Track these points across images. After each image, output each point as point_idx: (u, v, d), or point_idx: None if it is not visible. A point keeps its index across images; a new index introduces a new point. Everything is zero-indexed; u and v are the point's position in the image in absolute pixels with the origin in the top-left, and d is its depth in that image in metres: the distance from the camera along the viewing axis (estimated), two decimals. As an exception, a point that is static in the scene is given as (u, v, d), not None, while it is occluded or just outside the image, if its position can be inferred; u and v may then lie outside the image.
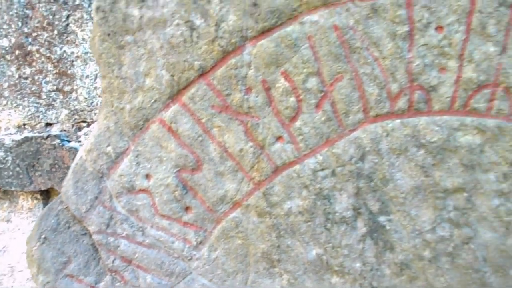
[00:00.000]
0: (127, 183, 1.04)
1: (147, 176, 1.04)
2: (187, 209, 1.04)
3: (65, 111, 1.57)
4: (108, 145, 1.04)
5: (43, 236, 1.09)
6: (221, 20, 0.96)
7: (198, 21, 0.97)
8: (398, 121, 0.96)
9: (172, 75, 0.99)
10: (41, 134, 1.69)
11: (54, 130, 1.72)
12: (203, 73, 0.98)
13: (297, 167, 0.99)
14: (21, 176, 1.71)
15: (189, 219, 1.04)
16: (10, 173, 1.71)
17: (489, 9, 0.90)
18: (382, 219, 0.99)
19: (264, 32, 0.96)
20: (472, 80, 0.92)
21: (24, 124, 1.75)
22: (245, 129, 0.99)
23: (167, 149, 1.01)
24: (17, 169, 1.71)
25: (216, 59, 0.97)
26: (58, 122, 1.68)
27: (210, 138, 1.00)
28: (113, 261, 1.07)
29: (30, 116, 1.74)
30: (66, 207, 1.09)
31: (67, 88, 1.64)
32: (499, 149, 0.94)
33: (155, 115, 1.01)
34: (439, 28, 0.92)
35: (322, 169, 0.99)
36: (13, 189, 1.74)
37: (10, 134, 1.76)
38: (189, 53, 0.98)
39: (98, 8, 1.00)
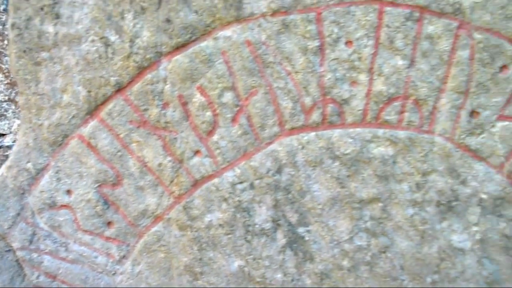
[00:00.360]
0: (48, 199, 1.06)
1: (68, 192, 1.05)
2: (109, 224, 1.05)
3: (18, 121, 1.57)
4: (28, 162, 1.05)
5: None
6: (135, 36, 0.98)
7: (112, 37, 0.98)
8: (313, 133, 0.99)
9: (89, 91, 1.01)
10: None
11: (7, 141, 1.71)
12: (119, 88, 1.00)
13: (215, 180, 1.02)
14: None
15: (111, 233, 1.06)
16: None
17: (396, 23, 0.93)
18: (301, 230, 1.02)
19: (179, 47, 0.98)
20: (382, 93, 0.96)
21: None
22: (164, 143, 1.01)
23: (87, 165, 1.03)
24: None
25: (132, 74, 0.99)
26: (11, 132, 1.68)
27: (129, 153, 1.02)
28: (37, 277, 1.09)
29: None
30: None
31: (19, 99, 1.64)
32: (411, 160, 0.98)
33: (74, 131, 1.03)
34: (348, 42, 0.95)
35: (241, 182, 1.01)
36: None
37: None
38: (105, 69, 0.99)
39: (13, 25, 1.01)
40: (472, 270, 1.00)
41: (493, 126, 0.96)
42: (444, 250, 1.00)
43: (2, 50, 1.64)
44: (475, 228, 1.00)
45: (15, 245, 1.09)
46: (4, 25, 1.64)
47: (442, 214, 1.00)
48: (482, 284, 1.01)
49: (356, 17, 0.93)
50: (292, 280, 1.03)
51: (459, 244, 1.01)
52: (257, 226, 1.03)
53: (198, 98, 0.99)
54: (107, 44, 0.99)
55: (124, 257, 1.06)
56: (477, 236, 1.00)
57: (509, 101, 0.94)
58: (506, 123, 0.95)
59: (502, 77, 0.92)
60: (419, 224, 1.00)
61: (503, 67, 0.92)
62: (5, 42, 1.68)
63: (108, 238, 1.05)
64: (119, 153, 1.02)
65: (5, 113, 1.70)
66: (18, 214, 1.07)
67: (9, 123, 1.69)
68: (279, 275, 1.04)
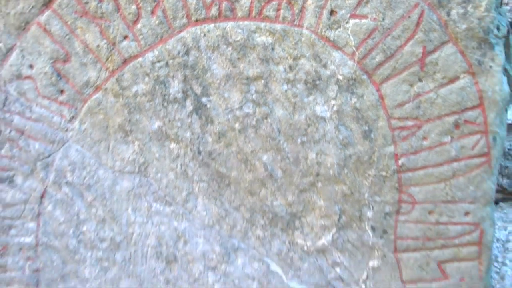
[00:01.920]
0: (16, 71, 1.52)
1: (31, 66, 1.51)
2: (61, 91, 1.52)
3: None
4: (0, 42, 1.51)
5: None
6: None
7: None
8: (212, 25, 1.42)
9: (43, -13, 1.44)
10: None
11: None
12: (66, -15, 1.43)
13: (140, 59, 1.46)
14: None
15: (63, 99, 1.53)
16: None
17: None
18: (204, 99, 1.48)
19: (109, -47, 1.40)
20: (262, -7, 1.38)
21: None
22: (100, 29, 1.45)
23: (44, 45, 1.48)
24: None
25: (75, -26, 1.42)
26: None
27: (75, 37, 1.46)
28: (9, 132, 1.57)
29: None
30: None
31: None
32: (285, 47, 1.41)
33: (33, 18, 1.46)
34: (236, -48, 1.36)
35: (158, 61, 1.46)
36: None
37: None
38: (54, -30, 1.42)
39: None
40: (331, 134, 1.46)
41: (347, 22, 1.37)
42: (310, 118, 1.45)
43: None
44: (333, 102, 1.44)
45: None
46: None
47: (308, 90, 1.44)
48: (339, 147, 1.47)
49: None
50: (198, 138, 1.51)
51: (321, 114, 1.45)
52: (171, 95, 1.49)
53: (125, -6, 1.41)
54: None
55: (73, 117, 1.53)
56: (335, 108, 1.44)
57: (359, 3, 1.36)
58: (357, 20, 1.37)
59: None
60: (291, 97, 1.45)
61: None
62: None
63: (61, 103, 1.52)
64: (67, 37, 1.46)
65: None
66: None
67: None
68: (188, 134, 1.51)
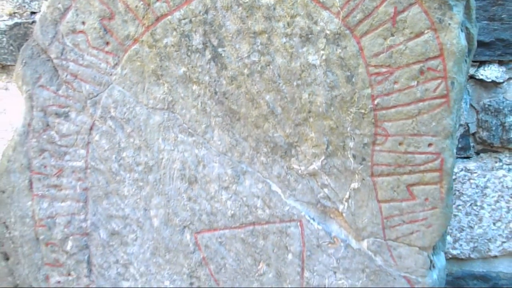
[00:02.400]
0: (71, 27, 1.94)
1: (83, 23, 1.92)
2: (107, 43, 1.94)
3: (46, 3, 1.97)
4: (59, 3, 1.93)
5: (24, 61, 2.01)
6: None
7: None
8: None
9: (94, -41, 1.85)
10: (27, 20, 2.38)
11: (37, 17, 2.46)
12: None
13: (169, 17, 1.86)
14: (14, 53, 2.40)
15: (108, 49, 1.94)
16: (6, 51, 2.40)
17: None
18: (219, 50, 1.88)
19: None
20: (265, -36, 1.76)
21: (14, 13, 2.39)
22: None
23: (93, 6, 1.89)
24: (11, 47, 2.40)
25: (119, -51, 1.82)
26: (40, 11, 2.18)
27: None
28: (66, 76, 2.00)
29: (18, 6, 2.39)
30: (37, 43, 2.01)
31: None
32: (284, 7, 1.79)
33: None
34: None
35: (184, 19, 1.86)
36: (8, 63, 2.44)
37: (4, 20, 2.42)
38: None
39: None
40: (320, 78, 1.84)
41: (333, -13, 1.74)
42: (303, 65, 1.84)
43: None
44: (322, 52, 1.81)
45: (52, 56, 1.99)
46: None
47: (302, 42, 1.82)
48: (326, 89, 1.86)
49: None
50: (215, 81, 1.91)
51: (312, 62, 1.82)
52: (193, 46, 1.88)
53: (158, -35, 1.81)
54: None
55: (116, 64, 1.95)
56: (323, 57, 1.81)
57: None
58: (341, -15, 1.74)
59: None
60: (289, 48, 1.83)
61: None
62: None
63: (107, 52, 1.94)
64: (112, -1, 1.86)
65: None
66: (54, 36, 1.96)
67: (38, 3, 2.49)
68: (207, 77, 1.91)
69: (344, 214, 1.87)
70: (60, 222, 1.93)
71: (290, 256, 1.89)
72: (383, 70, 1.69)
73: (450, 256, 2.61)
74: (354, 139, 1.72)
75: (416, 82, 1.70)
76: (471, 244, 2.53)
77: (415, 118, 1.67)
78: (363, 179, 1.76)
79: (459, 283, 2.60)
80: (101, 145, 1.84)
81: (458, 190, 2.53)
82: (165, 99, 1.80)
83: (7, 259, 1.96)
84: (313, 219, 1.87)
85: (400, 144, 1.70)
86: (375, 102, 1.68)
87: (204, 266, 1.91)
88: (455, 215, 2.53)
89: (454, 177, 2.50)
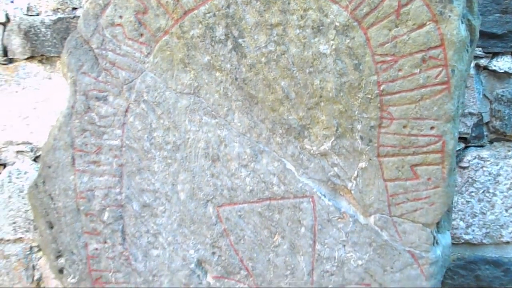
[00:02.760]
0: (110, 20, 2.20)
1: (120, 17, 2.18)
2: (141, 35, 2.19)
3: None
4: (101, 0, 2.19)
5: (69, 51, 2.28)
6: None
7: None
8: None
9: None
10: (69, 15, 2.55)
11: (79, 12, 2.50)
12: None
13: (195, 11, 2.08)
14: (57, 45, 2.57)
15: (142, 40, 2.20)
16: (50, 43, 2.54)
17: None
18: (240, 40, 2.11)
19: None
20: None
21: (58, 8, 2.55)
22: None
23: (129, 2, 2.13)
24: (54, 40, 2.56)
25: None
26: (81, 7, 2.49)
27: None
28: (105, 64, 2.26)
29: (61, 2, 2.54)
30: (80, 35, 2.29)
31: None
32: (298, 2, 1.99)
33: None
34: None
35: (208, 12, 2.08)
36: (52, 55, 2.59)
37: (48, 15, 2.57)
38: None
39: None
40: (330, 66, 2.03)
41: (341, -17, 1.95)
42: (315, 54, 2.04)
43: None
44: (332, 42, 2.01)
45: (93, 46, 2.24)
46: None
47: (314, 34, 1.99)
48: (336, 76, 2.08)
49: None
50: (235, 68, 2.13)
51: (323, 51, 1.97)
52: (217, 37, 2.11)
53: (186, -36, 2.06)
54: None
55: (149, 53, 2.20)
56: (333, 47, 2.00)
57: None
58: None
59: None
60: (302, 39, 2.04)
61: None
62: None
63: (141, 43, 2.19)
64: (146, -5, 2.11)
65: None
66: (95, 29, 2.23)
67: (79, 0, 2.78)
68: (228, 65, 2.14)
69: (352, 192, 1.99)
70: (98, 195, 2.18)
71: (303, 230, 2.08)
72: (388, 58, 1.79)
73: (463, 241, 2.73)
74: (361, 122, 1.83)
75: (419, 70, 1.84)
76: (484, 230, 2.66)
77: (418, 103, 1.79)
78: (370, 159, 1.88)
79: (471, 267, 2.71)
80: (135, 126, 1.99)
81: (471, 178, 2.67)
82: (191, 84, 2.00)
83: (51, 227, 2.22)
84: (324, 196, 2.05)
85: (404, 127, 1.81)
86: (381, 88, 1.79)
87: (225, 237, 2.13)
88: (468, 202, 2.67)
89: (467, 164, 2.64)
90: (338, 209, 1.98)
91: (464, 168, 2.61)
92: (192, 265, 2.18)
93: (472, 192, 2.63)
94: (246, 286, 2.12)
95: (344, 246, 2.03)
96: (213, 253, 2.13)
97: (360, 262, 2.02)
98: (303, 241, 2.06)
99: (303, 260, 2.04)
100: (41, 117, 2.47)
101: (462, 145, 2.67)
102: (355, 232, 2.03)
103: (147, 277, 2.15)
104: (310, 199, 2.00)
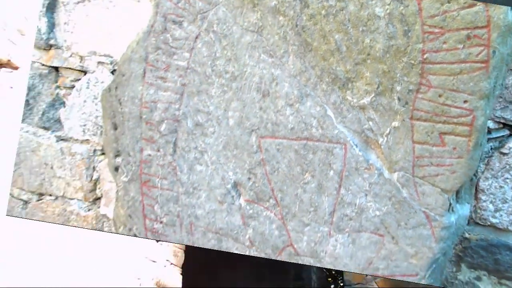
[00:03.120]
0: None
1: None
2: None
3: None
4: None
5: None
6: None
7: None
8: None
9: None
10: None
11: None
12: None
13: None
14: None
15: None
16: None
17: None
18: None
19: None
20: None
21: None
22: None
23: None
24: None
25: None
26: None
27: None
28: None
29: None
30: None
31: None
32: None
33: None
34: None
35: None
36: None
37: None
38: None
39: None
40: (382, 28, 2.25)
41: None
42: (370, 15, 2.18)
43: None
44: (387, 7, 2.02)
45: None
46: None
47: None
48: (386, 38, 2.31)
49: None
50: (297, 16, 2.38)
51: (378, 13, 2.08)
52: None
53: None
54: None
55: None
56: (388, 11, 2.09)
57: None
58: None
59: None
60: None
61: None
62: None
63: None
64: None
65: None
66: None
67: None
68: (291, 12, 2.34)
69: (382, 147, 2.13)
70: (160, 107, 2.52)
71: (331, 173, 2.36)
72: (436, 30, 1.93)
73: (489, 223, 2.89)
74: (401, 84, 1.97)
75: (462, 46, 2.02)
76: (511, 217, 2.82)
77: (456, 76, 1.94)
78: (403, 120, 2.03)
79: (492, 250, 2.86)
80: (202, 52, 2.18)
81: (509, 164, 2.82)
82: (256, 24, 2.14)
83: (115, 129, 2.60)
84: (356, 146, 2.31)
85: (439, 96, 1.97)
86: (425, 56, 1.92)
87: (261, 166, 2.45)
88: (501, 187, 2.82)
89: (507, 151, 2.79)
90: (367, 160, 2.15)
91: (504, 154, 2.71)
92: (229, 186, 2.49)
93: (507, 178, 2.76)
94: (272, 214, 2.41)
95: (366, 195, 2.29)
96: (249, 178, 2.44)
97: (378, 213, 2.27)
98: (330, 183, 2.33)
99: (327, 200, 2.23)
100: (124, 36, 2.57)
101: (507, 132, 2.74)
102: (378, 184, 2.28)
103: (188, 189, 2.50)
104: (343, 146, 2.14)
